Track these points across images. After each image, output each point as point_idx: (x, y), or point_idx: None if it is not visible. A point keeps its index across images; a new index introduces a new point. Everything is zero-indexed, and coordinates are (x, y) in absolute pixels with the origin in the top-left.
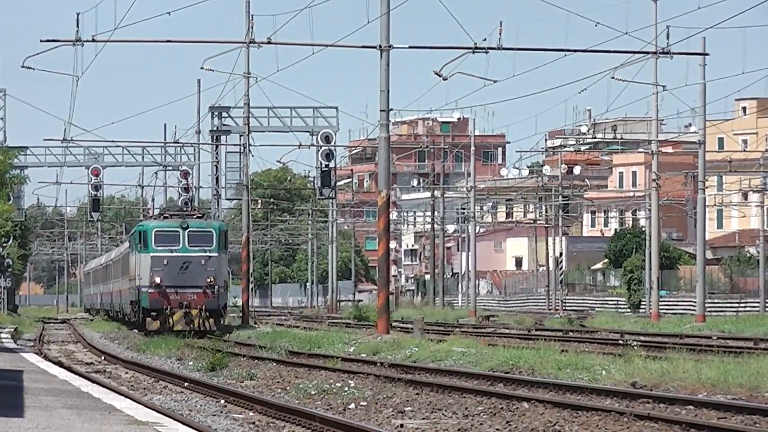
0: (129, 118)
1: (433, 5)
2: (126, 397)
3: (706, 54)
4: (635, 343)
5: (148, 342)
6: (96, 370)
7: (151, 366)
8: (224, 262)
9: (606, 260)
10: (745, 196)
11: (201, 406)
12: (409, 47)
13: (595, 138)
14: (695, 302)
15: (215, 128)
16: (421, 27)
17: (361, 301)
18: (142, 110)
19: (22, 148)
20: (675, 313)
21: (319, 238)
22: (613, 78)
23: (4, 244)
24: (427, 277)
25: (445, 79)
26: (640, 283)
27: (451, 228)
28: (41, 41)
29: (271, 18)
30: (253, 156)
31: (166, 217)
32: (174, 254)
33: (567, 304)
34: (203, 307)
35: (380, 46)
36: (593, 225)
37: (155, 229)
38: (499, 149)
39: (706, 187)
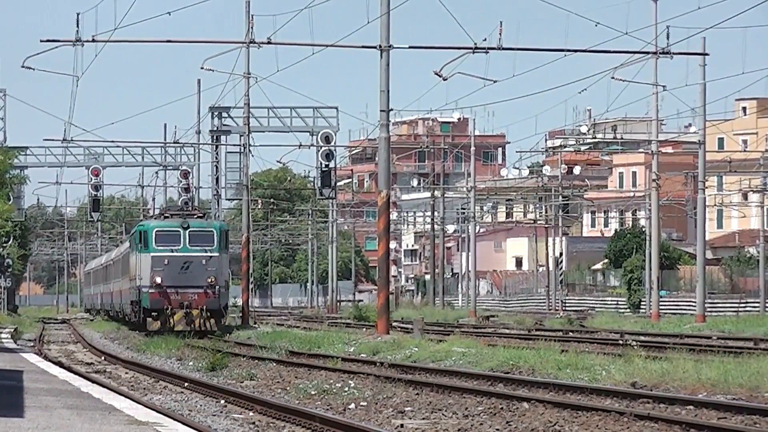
0: (129, 118)
1: (433, 5)
2: (126, 397)
3: (706, 54)
4: (635, 343)
5: (148, 342)
6: (96, 370)
7: (151, 366)
8: (225, 262)
9: (606, 260)
10: (745, 196)
11: (201, 406)
12: (409, 47)
13: (595, 138)
14: (695, 302)
15: (215, 128)
16: (421, 27)
17: (361, 301)
18: (142, 110)
19: (22, 148)
20: (675, 313)
21: (319, 238)
22: (613, 78)
23: (4, 244)
24: (427, 277)
25: (445, 79)
26: (640, 283)
27: (451, 228)
28: (41, 41)
29: (271, 18)
30: (253, 156)
31: (166, 217)
32: (175, 254)
33: (567, 305)
34: (204, 307)
35: (380, 46)
36: (593, 225)
37: (156, 229)
38: (499, 149)
39: (706, 187)
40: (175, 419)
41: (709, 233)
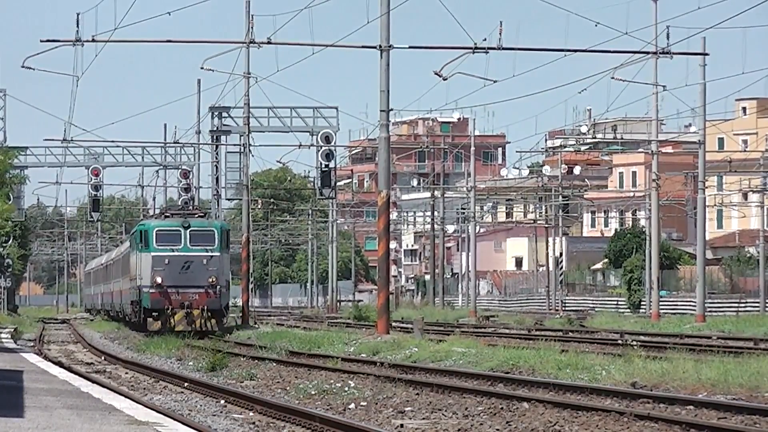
0: (129, 118)
1: (433, 5)
2: (126, 397)
3: (706, 54)
4: (635, 343)
5: (148, 342)
6: (96, 370)
7: (151, 366)
8: (226, 261)
9: (606, 260)
10: (745, 196)
11: (201, 406)
12: (409, 47)
13: (595, 138)
14: (695, 302)
15: (215, 128)
16: (421, 27)
17: (361, 301)
18: (142, 110)
19: (22, 148)
20: (675, 313)
21: (319, 238)
22: (613, 78)
23: (4, 244)
24: (427, 277)
25: (445, 79)
26: (640, 283)
27: (451, 228)
28: (41, 41)
29: (271, 18)
30: (253, 156)
31: (167, 216)
32: (175, 254)
33: (567, 304)
34: (205, 307)
35: (380, 46)
36: (593, 225)
37: (156, 229)
38: (499, 149)
39: (706, 187)
40: (175, 419)
41: (709, 233)
